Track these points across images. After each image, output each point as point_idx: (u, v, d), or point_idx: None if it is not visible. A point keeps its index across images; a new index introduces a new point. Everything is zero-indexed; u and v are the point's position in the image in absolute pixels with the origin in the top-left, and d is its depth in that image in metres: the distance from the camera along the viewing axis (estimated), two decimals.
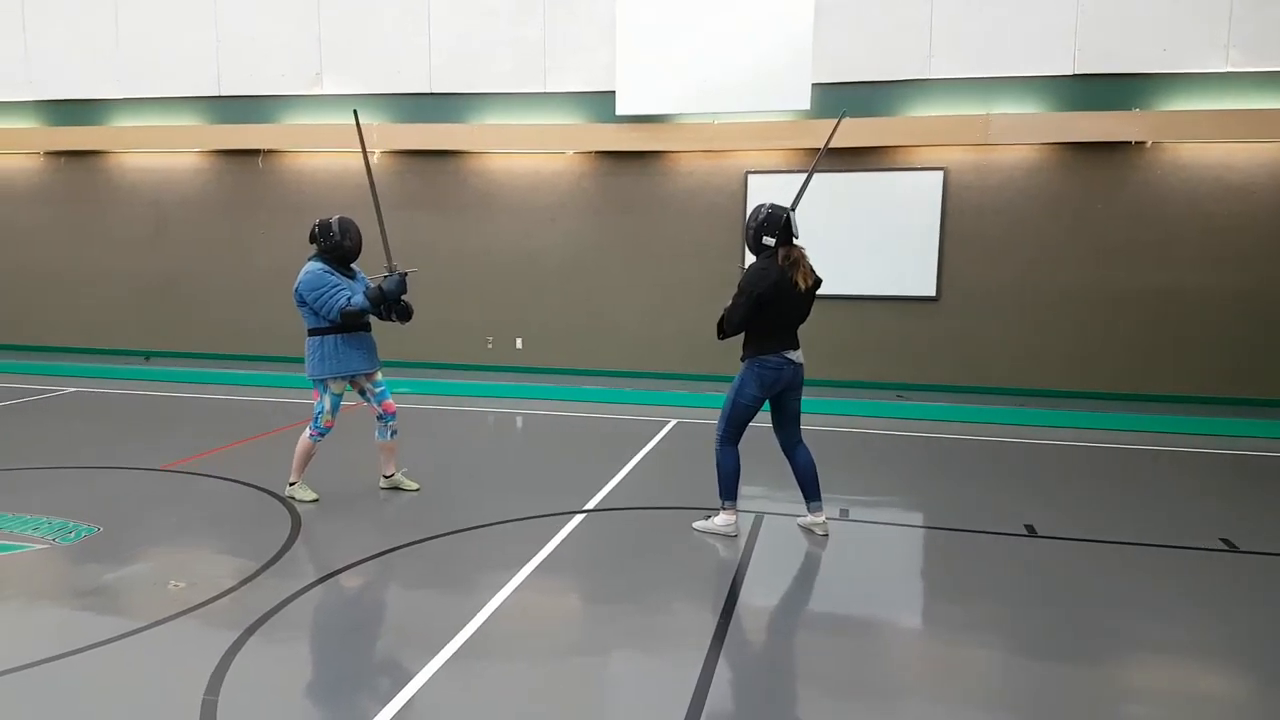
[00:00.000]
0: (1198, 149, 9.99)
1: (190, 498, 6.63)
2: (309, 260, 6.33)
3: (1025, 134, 10.22)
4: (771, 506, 6.57)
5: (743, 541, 5.84)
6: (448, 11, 11.50)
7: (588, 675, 4.18)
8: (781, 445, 6.01)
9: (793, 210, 5.74)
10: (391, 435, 6.74)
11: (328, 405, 6.43)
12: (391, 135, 11.70)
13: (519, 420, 9.93)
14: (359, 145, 6.59)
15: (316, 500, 6.51)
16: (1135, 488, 7.35)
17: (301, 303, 6.27)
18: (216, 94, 12.26)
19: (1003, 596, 5.01)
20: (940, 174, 10.54)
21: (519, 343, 11.94)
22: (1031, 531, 6.08)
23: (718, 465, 5.91)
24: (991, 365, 10.72)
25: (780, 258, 5.60)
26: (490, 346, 12.00)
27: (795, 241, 5.69)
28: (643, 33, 10.67)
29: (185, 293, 12.81)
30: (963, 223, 10.59)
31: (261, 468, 7.35)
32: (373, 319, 6.48)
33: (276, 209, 12.30)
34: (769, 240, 5.63)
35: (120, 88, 12.53)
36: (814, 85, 10.29)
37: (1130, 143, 10.07)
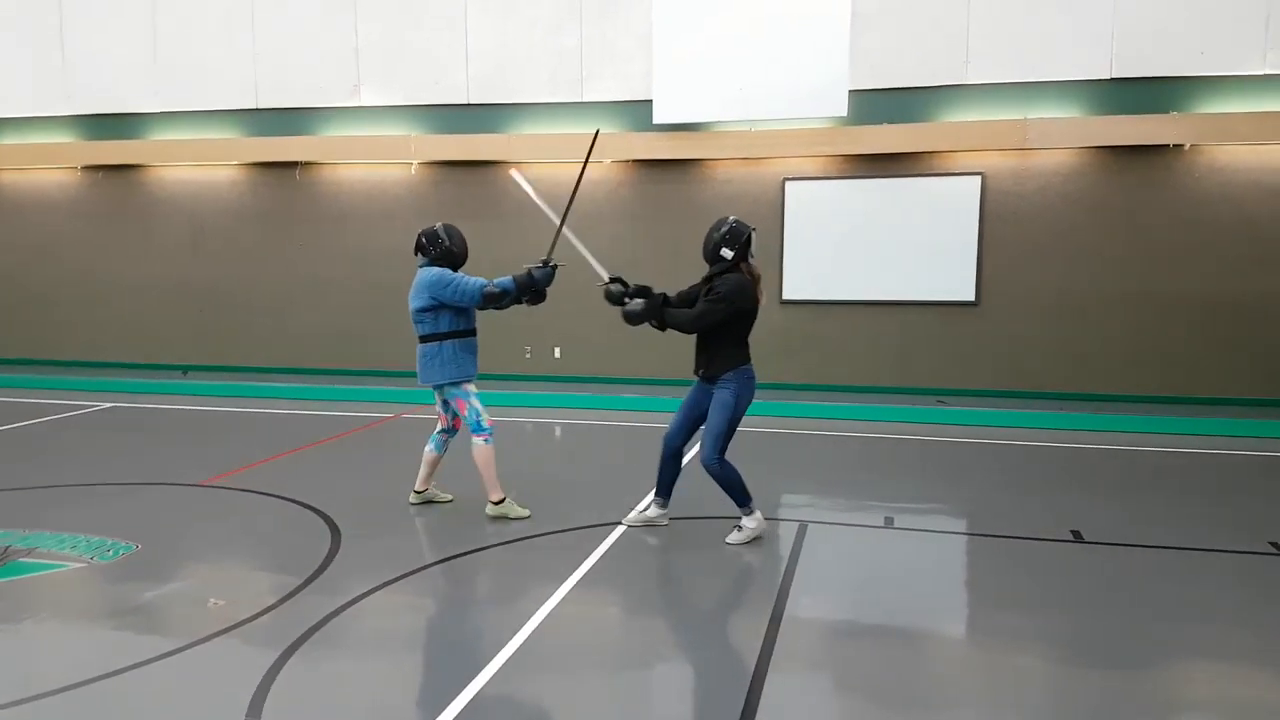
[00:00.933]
0: (1236, 151, 9.87)
1: (229, 513, 6.61)
2: (420, 269, 6.24)
3: (1063, 138, 10.12)
4: (815, 515, 6.54)
5: (787, 551, 5.78)
6: (485, 22, 11.52)
7: (637, 689, 4.14)
8: (675, 447, 6.01)
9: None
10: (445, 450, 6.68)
11: (478, 405, 6.32)
12: (430, 146, 11.73)
13: (557, 430, 9.90)
14: (584, 159, 6.62)
15: (528, 517, 6.38)
16: (1181, 492, 7.22)
17: (421, 309, 6.17)
18: (254, 106, 12.34)
19: (1050, 603, 4.93)
20: (978, 179, 10.43)
21: (557, 352, 11.93)
22: (1078, 537, 5.99)
23: (723, 481, 5.85)
24: (1032, 369, 10.60)
25: (747, 272, 5.68)
26: (528, 356, 11.98)
27: (751, 259, 5.71)
28: (679, 41, 10.64)
29: (223, 306, 12.88)
30: (1001, 227, 10.48)
31: (301, 482, 7.34)
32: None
33: (314, 221, 12.35)
34: (727, 253, 5.66)
35: (158, 101, 12.65)
36: (851, 92, 10.21)
37: (1168, 146, 9.95)
